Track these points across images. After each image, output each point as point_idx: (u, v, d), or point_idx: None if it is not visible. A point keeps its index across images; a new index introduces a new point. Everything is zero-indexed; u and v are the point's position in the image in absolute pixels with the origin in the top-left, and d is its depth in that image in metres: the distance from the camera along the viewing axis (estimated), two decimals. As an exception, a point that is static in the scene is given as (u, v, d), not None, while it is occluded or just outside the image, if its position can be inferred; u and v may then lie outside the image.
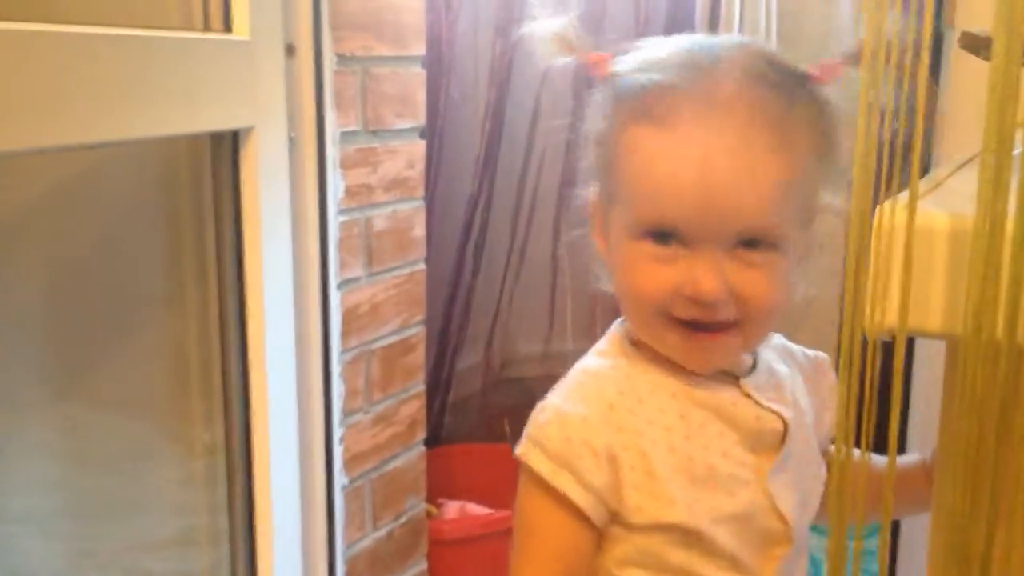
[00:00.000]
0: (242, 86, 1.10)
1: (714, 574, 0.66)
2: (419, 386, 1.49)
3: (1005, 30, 0.28)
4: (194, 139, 1.15)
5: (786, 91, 0.65)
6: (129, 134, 0.97)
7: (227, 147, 1.14)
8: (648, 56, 0.67)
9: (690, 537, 0.66)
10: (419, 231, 1.45)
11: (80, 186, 1.08)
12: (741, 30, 2.09)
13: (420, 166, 1.44)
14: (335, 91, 1.24)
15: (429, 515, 1.67)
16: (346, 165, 1.28)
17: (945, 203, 0.39)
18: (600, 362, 0.70)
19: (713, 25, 2.08)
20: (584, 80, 0.71)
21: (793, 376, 0.73)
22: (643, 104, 0.65)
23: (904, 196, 0.37)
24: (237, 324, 1.18)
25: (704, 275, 0.62)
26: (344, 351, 1.31)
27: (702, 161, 0.62)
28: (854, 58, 0.66)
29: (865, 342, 0.39)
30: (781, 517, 0.67)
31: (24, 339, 1.07)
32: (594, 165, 0.70)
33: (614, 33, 1.94)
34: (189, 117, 1.04)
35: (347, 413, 1.33)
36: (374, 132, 1.33)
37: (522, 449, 0.67)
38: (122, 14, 1.04)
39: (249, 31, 1.10)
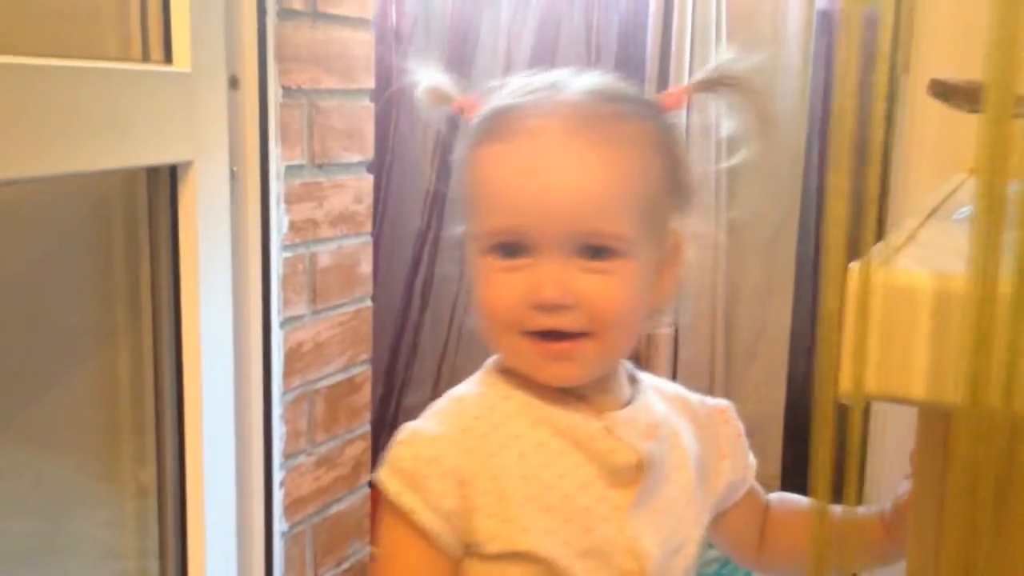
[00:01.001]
0: (181, 119, 1.07)
1: None
2: (364, 426, 1.46)
3: (999, 83, 0.26)
4: (130, 173, 1.12)
5: (625, 107, 0.68)
6: (60, 169, 0.94)
7: (165, 181, 1.11)
8: (506, 88, 0.70)
9: (545, 568, 0.64)
10: (365, 267, 1.42)
11: (6, 220, 1.03)
12: (691, 69, 2.10)
13: (368, 201, 1.41)
14: (280, 124, 1.22)
15: (373, 558, 1.62)
16: (291, 200, 1.25)
17: (923, 259, 0.37)
18: (466, 388, 0.71)
19: (664, 62, 2.10)
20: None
21: (678, 422, 0.72)
22: (488, 125, 0.68)
23: (878, 251, 0.35)
24: (173, 364, 1.15)
25: (546, 280, 0.63)
26: (286, 391, 1.28)
27: (534, 166, 0.64)
28: (702, 85, 0.70)
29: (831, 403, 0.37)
30: (638, 558, 0.66)
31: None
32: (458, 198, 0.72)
33: (566, 65, 1.95)
34: (124, 151, 1.01)
35: (288, 456, 1.29)
36: (320, 166, 1.31)
37: (379, 471, 0.67)
38: (55, 43, 1.01)
39: (190, 63, 1.08)
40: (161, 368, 1.15)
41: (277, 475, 1.27)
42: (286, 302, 1.26)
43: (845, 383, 0.35)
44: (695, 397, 0.77)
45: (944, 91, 0.47)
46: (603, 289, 0.64)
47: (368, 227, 1.42)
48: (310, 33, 1.26)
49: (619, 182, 0.64)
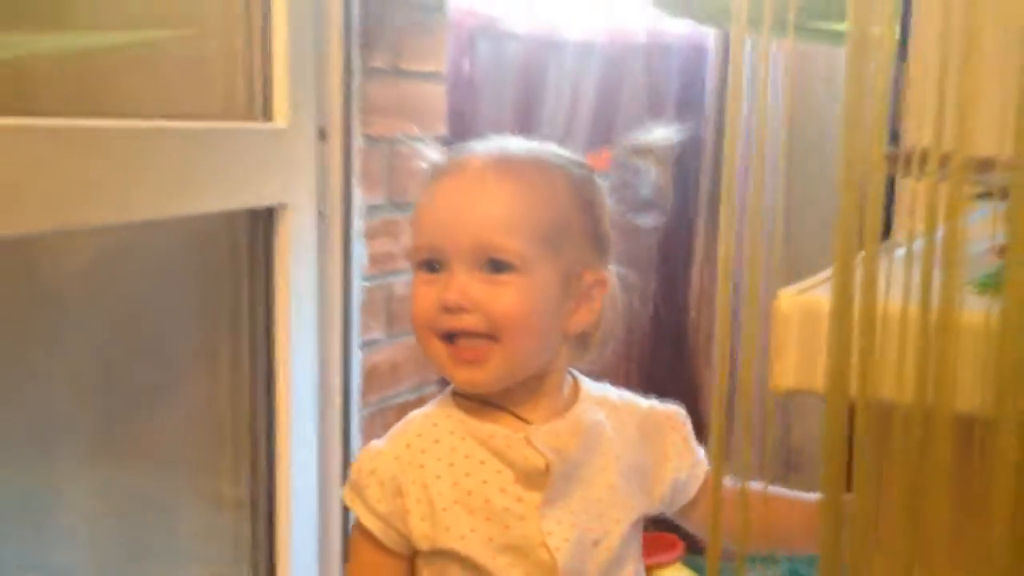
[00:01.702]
0: (278, 167, 1.20)
1: None
2: (434, 442, 1.55)
3: (848, 142, 0.38)
4: (234, 214, 1.24)
5: (544, 156, 0.79)
6: (177, 212, 1.08)
7: (263, 221, 1.24)
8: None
9: (468, 564, 0.75)
10: (437, 297, 1.52)
11: (133, 256, 1.17)
12: (750, 114, 2.19)
13: (439, 237, 1.52)
14: (363, 169, 1.33)
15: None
16: (371, 235, 1.36)
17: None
18: (423, 409, 0.83)
19: (721, 104, 2.19)
20: None
21: (616, 429, 0.81)
22: (434, 171, 0.80)
23: (797, 286, 0.47)
24: (266, 381, 1.26)
25: (452, 287, 0.74)
26: (364, 407, 1.38)
27: (452, 194, 0.76)
28: (623, 152, 0.81)
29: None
30: (549, 552, 0.75)
31: (67, 402, 1.11)
32: None
33: (628, 112, 2.06)
34: (230, 196, 1.14)
35: (365, 466, 1.39)
36: (398, 205, 1.42)
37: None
38: (184, 105, 1.16)
39: (286, 119, 1.21)
40: (256, 387, 1.27)
41: (355, 483, 1.38)
42: (365, 327, 1.36)
43: (772, 381, 0.48)
44: (646, 403, 0.85)
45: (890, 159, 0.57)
46: (498, 296, 0.74)
47: (440, 260, 1.53)
48: (390, 88, 1.37)
49: (519, 208, 0.75)
